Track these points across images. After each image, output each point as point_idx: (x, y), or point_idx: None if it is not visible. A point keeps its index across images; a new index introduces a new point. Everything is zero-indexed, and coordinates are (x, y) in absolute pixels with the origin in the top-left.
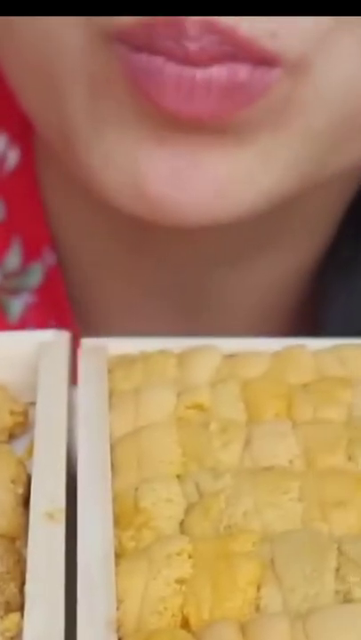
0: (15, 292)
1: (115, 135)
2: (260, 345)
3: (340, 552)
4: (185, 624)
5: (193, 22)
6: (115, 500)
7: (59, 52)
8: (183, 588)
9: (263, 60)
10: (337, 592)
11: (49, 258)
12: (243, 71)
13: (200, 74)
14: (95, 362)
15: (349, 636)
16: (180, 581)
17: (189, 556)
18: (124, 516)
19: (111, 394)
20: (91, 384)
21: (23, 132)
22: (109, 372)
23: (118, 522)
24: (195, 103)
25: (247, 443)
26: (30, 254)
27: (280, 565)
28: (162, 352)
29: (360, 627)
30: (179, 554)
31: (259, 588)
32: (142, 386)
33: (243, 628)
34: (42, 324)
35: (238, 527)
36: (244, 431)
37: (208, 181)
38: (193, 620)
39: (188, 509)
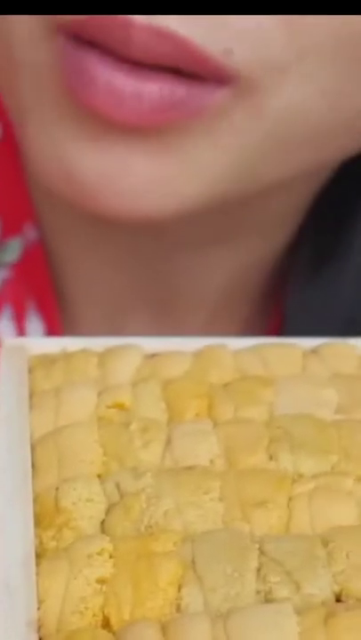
0: None
1: (53, 127)
2: (181, 344)
3: (262, 552)
4: (106, 624)
5: (140, 27)
6: (35, 499)
7: (10, 38)
8: (104, 587)
9: (215, 74)
10: (258, 592)
11: (30, 233)
12: (180, 90)
13: (130, 87)
14: (15, 361)
15: (270, 636)
16: (101, 581)
17: (110, 556)
18: (45, 515)
19: (32, 393)
20: (11, 384)
21: (4, 107)
22: (30, 371)
23: (39, 522)
24: (125, 110)
25: (168, 442)
26: (9, 229)
27: (201, 565)
28: (83, 351)
29: (281, 626)
30: (99, 553)
31: (180, 588)
32: (63, 385)
33: (163, 628)
34: (19, 300)
35: (159, 527)
36: (165, 431)
37: (134, 182)
38: (114, 620)
39: (109, 509)
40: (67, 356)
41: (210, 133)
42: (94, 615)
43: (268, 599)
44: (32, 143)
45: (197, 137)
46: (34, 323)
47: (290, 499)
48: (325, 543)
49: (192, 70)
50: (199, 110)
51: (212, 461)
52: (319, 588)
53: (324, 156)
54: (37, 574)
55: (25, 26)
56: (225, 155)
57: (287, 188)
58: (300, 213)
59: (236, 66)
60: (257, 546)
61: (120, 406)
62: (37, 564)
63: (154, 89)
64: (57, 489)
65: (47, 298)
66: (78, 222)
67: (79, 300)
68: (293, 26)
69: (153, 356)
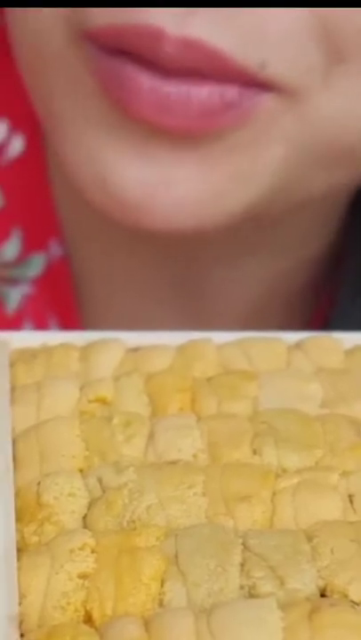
0: (13, 281)
1: (92, 136)
2: (164, 338)
3: (245, 547)
4: (88, 619)
5: (171, 39)
6: (17, 494)
7: (43, 49)
8: (86, 582)
9: (253, 83)
10: (242, 587)
11: (55, 249)
12: (230, 92)
13: (176, 91)
14: None
15: (254, 632)
16: (83, 576)
17: (92, 551)
18: (27, 510)
19: (13, 388)
20: None
21: (29, 120)
22: (11, 365)
23: (21, 516)
24: (173, 115)
25: (151, 437)
26: (32, 245)
27: (184, 560)
28: (64, 345)
29: (264, 621)
30: (81, 548)
31: (162, 583)
32: (44, 379)
33: (146, 624)
34: (40, 316)
35: (142, 522)
36: (148, 425)
37: (177, 197)
38: (96, 615)
39: (92, 504)
40: (48, 351)
41: (259, 142)
42: (76, 610)
43: (251, 594)
44: (69, 155)
45: (246, 146)
46: None
47: (274, 493)
48: (310, 538)
49: (229, 79)
50: (249, 114)
51: (195, 456)
52: (303, 583)
53: None
54: (19, 569)
55: (59, 35)
56: (273, 164)
57: (323, 199)
58: (334, 224)
59: (272, 77)
60: (241, 541)
61: (102, 400)
62: (19, 559)
63: (203, 92)
64: (39, 483)
65: (70, 314)
66: (107, 236)
67: (105, 315)
68: (330, 30)
69: (135, 349)
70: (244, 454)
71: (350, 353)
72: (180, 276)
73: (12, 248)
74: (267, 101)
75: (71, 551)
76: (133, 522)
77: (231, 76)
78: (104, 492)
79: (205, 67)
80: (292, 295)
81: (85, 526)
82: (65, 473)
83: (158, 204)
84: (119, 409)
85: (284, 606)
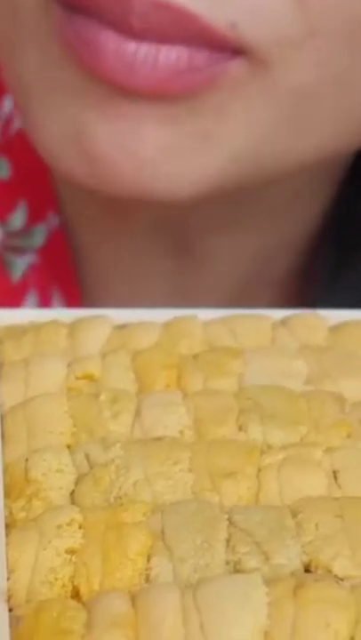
0: (19, 251)
1: (60, 97)
2: (151, 315)
3: (231, 522)
4: (75, 594)
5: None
6: (5, 470)
7: (11, 11)
8: (73, 558)
9: (221, 47)
10: (227, 562)
11: (53, 220)
12: (200, 56)
13: (143, 52)
14: None
15: (239, 607)
16: (71, 552)
17: (80, 527)
18: (15, 486)
19: (1, 365)
20: None
21: None
22: (0, 343)
23: (9, 492)
24: (137, 76)
25: (137, 413)
26: (35, 215)
27: (170, 536)
28: (52, 322)
29: (250, 597)
30: (69, 524)
31: (149, 559)
32: (32, 356)
33: (133, 599)
34: (43, 285)
35: (129, 497)
36: (135, 402)
37: (147, 149)
38: (83, 591)
39: (79, 480)
40: (36, 328)
41: (222, 108)
42: (64, 585)
43: (237, 569)
44: (40, 119)
45: (209, 110)
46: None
47: (259, 469)
48: (295, 514)
49: (198, 42)
50: (215, 77)
51: (181, 432)
52: (288, 558)
53: (339, 142)
54: (7, 545)
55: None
56: (235, 130)
57: (308, 171)
58: (325, 197)
59: (242, 39)
60: (226, 516)
61: (89, 377)
62: (7, 535)
63: (171, 55)
64: (27, 460)
65: (70, 284)
66: (99, 210)
67: (100, 286)
68: (304, 3)
69: (123, 326)
70: (229, 430)
71: (335, 330)
72: (169, 248)
73: (18, 218)
74: (236, 67)
75: (59, 527)
76: (120, 498)
77: (201, 39)
78: (91, 468)
79: (174, 28)
80: (285, 269)
81: (73, 502)
82: (53, 449)
83: (127, 159)
84: (106, 385)
85: (269, 582)
